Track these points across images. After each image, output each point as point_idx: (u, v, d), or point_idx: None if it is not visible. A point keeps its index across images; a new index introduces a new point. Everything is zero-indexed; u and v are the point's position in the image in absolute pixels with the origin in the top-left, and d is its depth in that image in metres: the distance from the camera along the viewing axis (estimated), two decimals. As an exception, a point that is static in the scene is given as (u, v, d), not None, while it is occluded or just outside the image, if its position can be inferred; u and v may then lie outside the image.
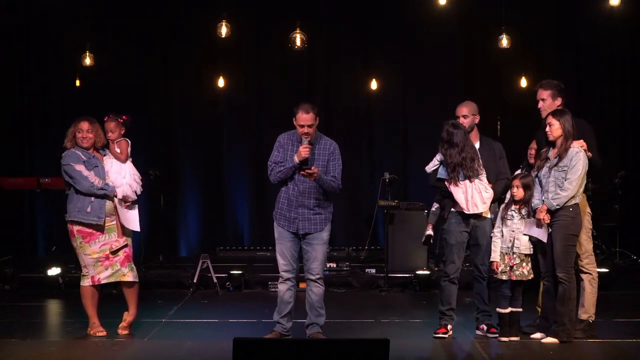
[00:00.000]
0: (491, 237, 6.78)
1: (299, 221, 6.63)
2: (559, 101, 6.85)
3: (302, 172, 6.51)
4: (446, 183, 6.79)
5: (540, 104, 6.91)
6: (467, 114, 6.98)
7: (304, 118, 6.54)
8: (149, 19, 12.04)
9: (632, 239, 11.09)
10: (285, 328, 6.72)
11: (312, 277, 6.69)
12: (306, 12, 11.36)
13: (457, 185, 6.74)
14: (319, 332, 6.68)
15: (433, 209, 7.15)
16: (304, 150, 6.50)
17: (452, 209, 6.87)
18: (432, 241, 7.32)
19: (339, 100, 12.28)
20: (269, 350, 4.20)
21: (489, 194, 6.78)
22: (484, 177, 6.80)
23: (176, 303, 8.63)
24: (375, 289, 9.58)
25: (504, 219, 6.72)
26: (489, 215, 6.85)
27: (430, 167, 6.96)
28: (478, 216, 6.81)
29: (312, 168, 6.47)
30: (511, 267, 6.66)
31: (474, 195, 6.74)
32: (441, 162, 6.85)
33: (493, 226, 6.82)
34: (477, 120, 7.05)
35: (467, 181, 6.73)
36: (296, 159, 6.53)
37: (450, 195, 6.80)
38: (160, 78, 12.17)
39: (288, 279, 6.72)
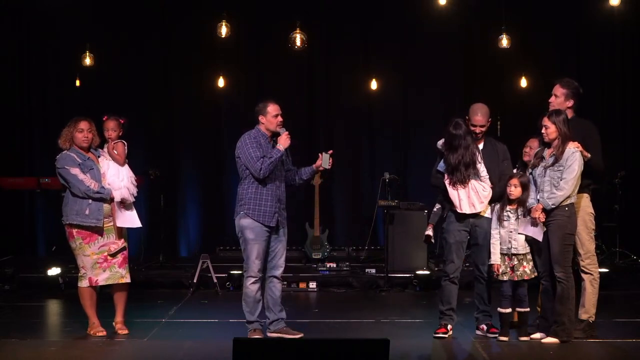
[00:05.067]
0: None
1: (277, 215, 6.73)
2: (570, 103, 6.83)
3: None
4: (445, 181, 6.78)
5: (552, 99, 6.89)
6: (484, 123, 6.88)
7: (277, 107, 6.78)
8: (149, 18, 12.04)
9: (632, 239, 11.07)
10: (262, 324, 6.83)
11: (278, 274, 6.81)
12: (306, 12, 11.36)
13: (454, 186, 6.74)
14: (285, 327, 6.80)
15: (435, 209, 7.15)
16: (289, 138, 6.74)
17: (451, 208, 6.88)
18: (432, 241, 7.32)
19: (339, 100, 12.26)
20: (269, 350, 4.19)
21: (487, 192, 6.76)
22: (485, 177, 6.78)
23: (176, 303, 8.63)
24: (375, 289, 9.57)
25: (500, 220, 6.72)
26: (487, 215, 6.83)
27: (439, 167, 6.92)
28: (476, 215, 6.80)
29: None
30: (512, 267, 6.66)
31: (470, 195, 6.72)
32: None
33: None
34: (489, 124, 7.00)
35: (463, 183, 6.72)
36: (281, 147, 6.69)
37: (448, 195, 6.81)
38: (160, 78, 12.15)
39: (259, 278, 6.77)
